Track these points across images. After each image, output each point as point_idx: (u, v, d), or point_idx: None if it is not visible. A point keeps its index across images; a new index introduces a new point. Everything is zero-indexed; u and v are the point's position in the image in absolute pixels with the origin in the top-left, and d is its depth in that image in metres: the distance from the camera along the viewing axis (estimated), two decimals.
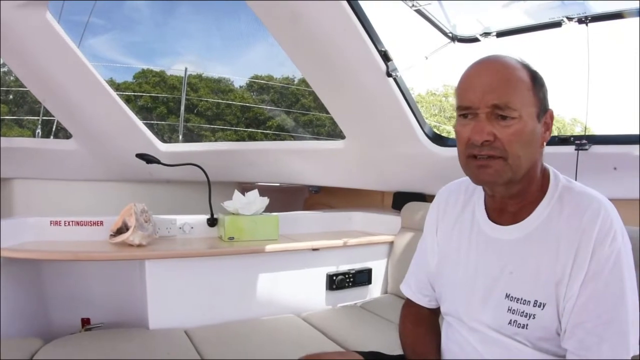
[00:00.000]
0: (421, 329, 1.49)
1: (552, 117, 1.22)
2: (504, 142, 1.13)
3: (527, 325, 1.17)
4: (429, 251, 1.48)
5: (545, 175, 1.25)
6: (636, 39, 2.46)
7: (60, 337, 2.26)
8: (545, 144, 1.21)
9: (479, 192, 1.35)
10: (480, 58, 1.22)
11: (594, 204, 1.14)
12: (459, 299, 1.33)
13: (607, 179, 2.49)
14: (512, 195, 1.23)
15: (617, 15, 2.41)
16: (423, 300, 1.52)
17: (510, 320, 1.19)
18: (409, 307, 1.56)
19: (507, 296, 1.20)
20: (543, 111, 1.18)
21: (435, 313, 1.54)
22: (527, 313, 1.17)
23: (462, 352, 1.32)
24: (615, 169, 2.52)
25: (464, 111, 1.18)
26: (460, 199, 1.41)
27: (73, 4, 3.83)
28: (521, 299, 1.18)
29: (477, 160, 1.17)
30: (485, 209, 1.32)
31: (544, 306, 1.15)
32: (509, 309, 1.20)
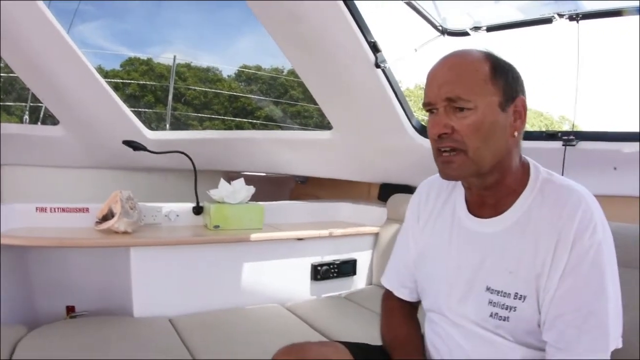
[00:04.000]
0: (406, 322, 1.48)
1: (524, 105, 1.20)
2: (462, 133, 1.15)
3: (508, 317, 1.17)
4: (411, 241, 1.48)
5: (524, 167, 1.25)
6: (627, 38, 2.47)
7: (45, 324, 2.26)
8: (517, 133, 1.20)
9: (459, 186, 1.36)
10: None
11: (575, 196, 1.14)
12: (441, 293, 1.33)
13: (595, 174, 2.50)
14: (488, 187, 1.24)
15: (608, 14, 2.43)
16: (404, 292, 1.52)
17: (492, 313, 1.20)
18: (390, 301, 1.56)
19: (488, 289, 1.21)
20: (509, 100, 1.17)
21: (415, 307, 1.54)
22: (507, 306, 1.17)
23: (446, 347, 1.33)
24: (615, 168, 2.53)
25: (428, 107, 1.21)
26: (442, 192, 1.42)
27: None
28: (501, 291, 1.18)
29: (442, 156, 1.20)
30: (466, 202, 1.33)
31: (524, 299, 1.15)
32: (489, 302, 1.20)
